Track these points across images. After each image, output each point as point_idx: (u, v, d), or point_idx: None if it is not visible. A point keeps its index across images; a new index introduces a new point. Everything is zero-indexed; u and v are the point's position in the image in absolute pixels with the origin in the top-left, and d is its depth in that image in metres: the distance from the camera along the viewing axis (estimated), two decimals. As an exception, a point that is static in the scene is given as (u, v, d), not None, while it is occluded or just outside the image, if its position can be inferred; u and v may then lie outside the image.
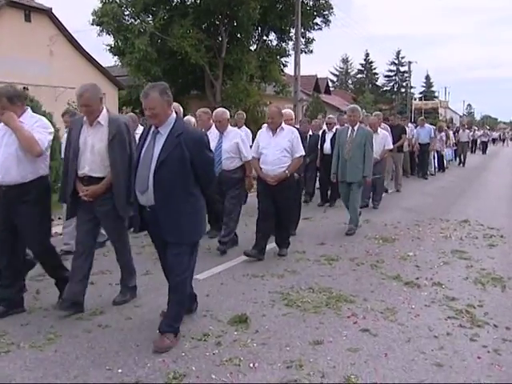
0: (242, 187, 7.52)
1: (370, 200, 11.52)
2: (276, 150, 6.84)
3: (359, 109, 8.95)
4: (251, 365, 3.89)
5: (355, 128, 8.71)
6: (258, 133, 7.33)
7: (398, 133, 13.99)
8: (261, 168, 7.00)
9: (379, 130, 11.38)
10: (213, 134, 7.23)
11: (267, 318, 4.82)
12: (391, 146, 11.64)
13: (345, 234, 8.50)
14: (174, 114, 4.24)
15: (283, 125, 6.97)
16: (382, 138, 11.33)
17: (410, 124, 19.14)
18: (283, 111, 7.64)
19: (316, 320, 4.78)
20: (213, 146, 6.59)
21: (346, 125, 11.13)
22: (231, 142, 7.28)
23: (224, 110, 7.53)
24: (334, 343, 4.29)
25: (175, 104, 6.68)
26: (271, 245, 7.45)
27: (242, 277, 6.13)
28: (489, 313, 5.02)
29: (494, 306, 5.24)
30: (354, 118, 8.76)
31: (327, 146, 11.39)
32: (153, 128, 4.25)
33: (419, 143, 17.85)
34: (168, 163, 4.09)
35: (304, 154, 7.17)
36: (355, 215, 8.71)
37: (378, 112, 13.84)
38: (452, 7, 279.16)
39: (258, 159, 7.04)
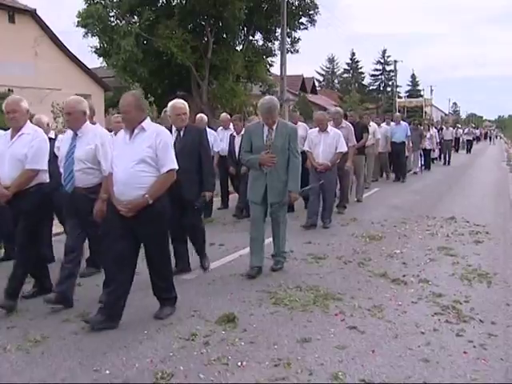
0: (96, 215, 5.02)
1: (319, 217, 9.18)
2: (131, 161, 4.53)
3: (276, 102, 6.30)
4: (239, 364, 3.89)
5: (273, 127, 6.18)
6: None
7: (358, 131, 11.49)
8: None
9: (329, 128, 9.15)
10: (68, 136, 5.33)
11: (255, 317, 4.82)
12: (345, 149, 9.16)
13: (271, 269, 6.37)
14: None
15: (146, 123, 4.65)
16: (334, 138, 8.97)
17: (391, 122, 17.88)
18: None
19: (304, 318, 4.79)
20: (64, 151, 5.24)
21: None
22: (87, 147, 5.06)
23: (78, 98, 5.28)
24: (321, 341, 4.30)
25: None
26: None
27: (230, 276, 6.13)
28: (475, 308, 5.06)
29: (480, 301, 5.28)
30: (273, 117, 6.13)
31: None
32: None
33: (394, 142, 16.30)
34: None
35: (176, 167, 4.73)
36: (282, 242, 6.48)
37: (338, 108, 11.36)
38: (437, 6, 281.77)
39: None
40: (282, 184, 6.18)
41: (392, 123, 17.44)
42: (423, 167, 19.90)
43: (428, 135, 19.94)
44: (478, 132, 50.80)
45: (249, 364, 3.89)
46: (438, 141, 22.89)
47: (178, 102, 6.21)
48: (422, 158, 19.95)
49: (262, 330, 4.52)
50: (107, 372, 3.78)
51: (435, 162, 23.08)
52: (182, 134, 6.10)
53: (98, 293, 5.45)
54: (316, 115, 9.69)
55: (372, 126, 14.43)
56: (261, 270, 6.23)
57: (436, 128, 24.78)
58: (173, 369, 3.80)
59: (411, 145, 17.62)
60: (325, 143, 8.95)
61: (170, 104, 6.25)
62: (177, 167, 4.73)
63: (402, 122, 17.30)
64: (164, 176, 4.62)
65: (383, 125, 16.43)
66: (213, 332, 4.47)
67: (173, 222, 5.41)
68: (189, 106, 6.21)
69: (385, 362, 3.92)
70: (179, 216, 5.94)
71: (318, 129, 9.16)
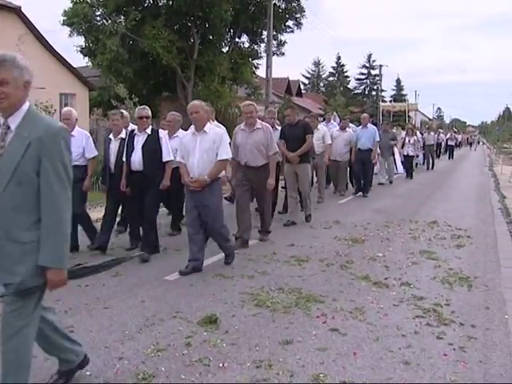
0: None
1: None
2: None
3: (11, 55, 2.94)
4: (221, 365, 3.88)
5: (14, 118, 2.92)
6: None
7: (298, 134, 9.36)
8: None
9: (208, 126, 6.33)
10: None
11: (237, 319, 4.82)
12: (228, 155, 6.47)
13: None
14: None
15: None
16: (214, 142, 6.28)
17: (351, 124, 15.82)
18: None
19: (285, 320, 4.79)
20: None
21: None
22: None
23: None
24: (303, 343, 4.31)
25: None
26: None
27: (212, 278, 6.12)
28: (455, 311, 5.10)
29: (461, 304, 5.33)
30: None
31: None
32: None
33: (359, 149, 13.73)
34: None
35: None
36: None
37: (249, 102, 8.45)
38: (422, 12, 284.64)
39: None
40: (16, 248, 2.85)
41: (352, 126, 15.78)
42: (403, 175, 19.25)
43: (412, 140, 19.23)
44: (459, 137, 50.57)
45: (230, 365, 3.89)
46: (422, 145, 22.80)
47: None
48: (401, 165, 19.55)
49: (243, 332, 4.52)
50: (88, 373, 3.74)
51: (419, 166, 23.19)
52: None
53: (79, 293, 5.42)
54: (189, 105, 6.48)
55: (321, 129, 12.12)
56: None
57: (421, 133, 24.86)
58: (154, 370, 3.79)
59: (378, 151, 15.05)
60: (201, 149, 6.26)
61: None
62: None
63: (369, 125, 14.47)
64: None
65: (348, 129, 14.40)
66: (194, 333, 4.46)
67: None
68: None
69: (366, 364, 3.94)
70: None
71: (193, 129, 6.46)
